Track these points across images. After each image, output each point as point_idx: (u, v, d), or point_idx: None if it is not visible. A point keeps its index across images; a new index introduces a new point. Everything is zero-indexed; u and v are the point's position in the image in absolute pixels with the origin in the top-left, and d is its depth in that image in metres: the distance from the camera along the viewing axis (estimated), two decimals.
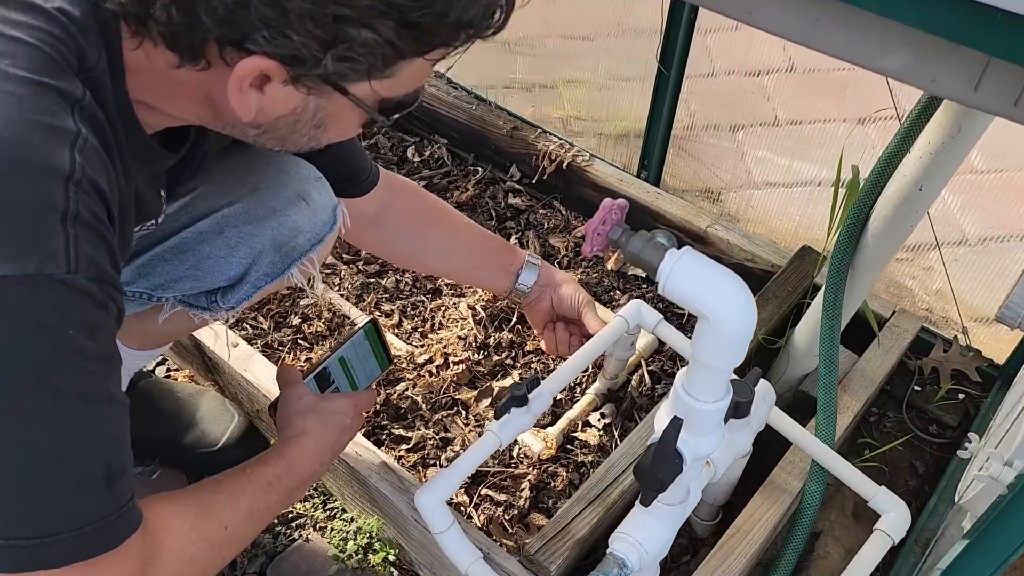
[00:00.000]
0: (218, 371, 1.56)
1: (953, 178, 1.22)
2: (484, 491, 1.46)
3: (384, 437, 1.55)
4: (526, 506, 1.44)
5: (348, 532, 1.44)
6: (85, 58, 0.75)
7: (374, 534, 1.42)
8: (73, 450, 0.72)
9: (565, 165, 1.97)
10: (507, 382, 1.63)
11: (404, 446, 1.53)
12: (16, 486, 0.70)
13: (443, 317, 1.76)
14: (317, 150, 0.93)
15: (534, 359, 1.69)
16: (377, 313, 1.77)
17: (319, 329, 1.71)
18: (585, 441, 1.54)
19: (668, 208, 1.86)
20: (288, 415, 1.14)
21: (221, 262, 1.10)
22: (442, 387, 1.61)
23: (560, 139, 2.01)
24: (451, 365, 1.65)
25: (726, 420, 0.99)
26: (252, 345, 1.63)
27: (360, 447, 1.39)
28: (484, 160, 2.13)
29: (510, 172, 2.09)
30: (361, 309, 1.76)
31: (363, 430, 1.54)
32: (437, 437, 1.54)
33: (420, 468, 1.50)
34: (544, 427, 1.54)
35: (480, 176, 2.11)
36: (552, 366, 1.67)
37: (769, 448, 1.37)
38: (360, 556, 1.41)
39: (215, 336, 1.54)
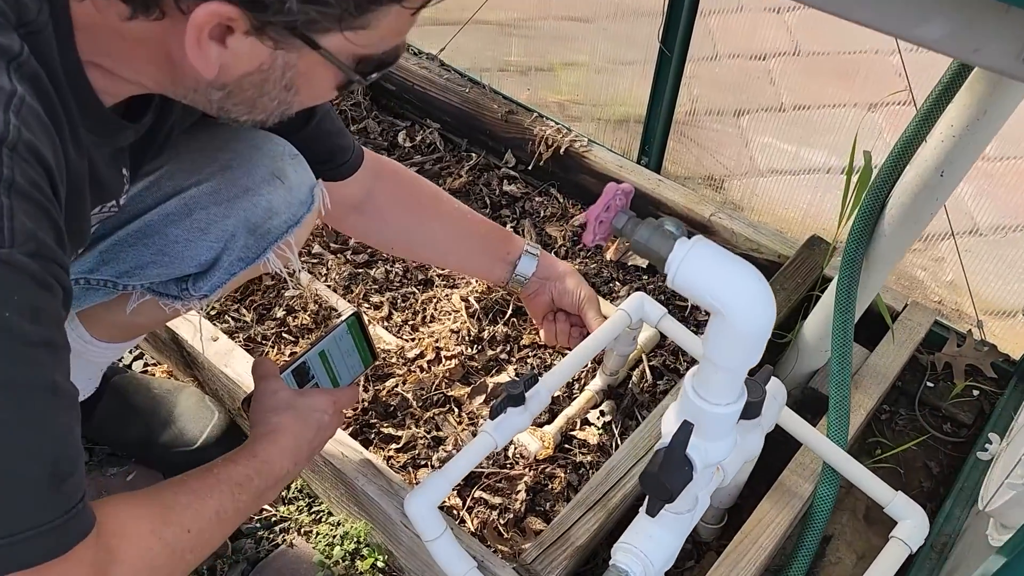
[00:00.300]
0: (197, 366, 1.48)
1: None
2: (478, 493, 1.39)
3: (372, 436, 1.47)
4: (522, 509, 1.37)
5: (334, 537, 1.36)
6: (24, 10, 0.67)
7: (362, 539, 1.35)
8: (12, 446, 0.65)
9: (562, 151, 1.89)
10: (502, 378, 1.56)
11: (393, 446, 1.45)
12: None
13: (435, 309, 1.68)
14: (292, 127, 0.84)
15: (530, 354, 1.61)
16: (365, 305, 1.69)
17: (304, 322, 1.63)
18: (584, 440, 1.47)
19: (670, 196, 1.79)
20: (262, 411, 1.06)
21: (190, 246, 1.02)
22: (434, 383, 1.54)
23: (557, 124, 1.93)
24: (443, 360, 1.58)
25: (736, 422, 0.92)
26: (234, 339, 1.56)
27: (347, 447, 1.31)
28: (478, 145, 2.05)
29: (505, 158, 2.01)
30: (349, 301, 1.68)
31: (350, 429, 1.47)
32: (428, 436, 1.47)
33: (410, 469, 1.43)
34: (541, 425, 1.46)
35: (474, 162, 2.03)
36: (550, 360, 1.60)
37: (775, 448, 1.30)
38: (347, 562, 1.34)
39: (194, 329, 1.46)
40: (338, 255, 1.79)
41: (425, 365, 1.57)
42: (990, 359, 1.55)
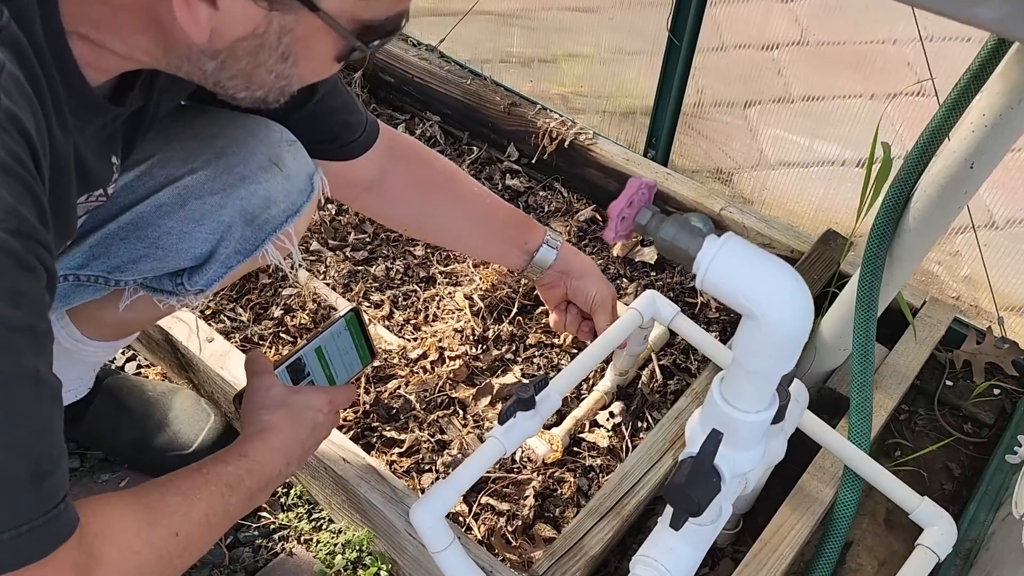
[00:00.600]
0: (192, 368, 1.43)
1: None
2: (484, 499, 1.33)
3: (374, 440, 1.42)
4: (531, 516, 1.32)
5: (336, 545, 1.31)
6: None
7: (364, 547, 1.30)
8: None
9: (567, 144, 1.84)
10: (508, 378, 1.50)
11: (396, 450, 1.40)
12: None
13: (437, 308, 1.63)
14: (292, 103, 0.79)
15: (536, 353, 1.56)
16: (366, 304, 1.63)
17: (303, 321, 1.58)
18: (593, 443, 1.42)
19: (678, 190, 1.74)
20: (254, 408, 1.01)
21: (185, 238, 0.97)
22: (437, 384, 1.48)
23: (561, 116, 1.87)
24: (447, 360, 1.52)
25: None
26: (230, 339, 1.50)
27: (348, 452, 1.26)
28: (480, 139, 2.00)
29: (507, 151, 1.95)
30: (348, 299, 1.62)
31: (351, 433, 1.41)
32: (432, 440, 1.41)
33: (414, 474, 1.37)
34: (548, 427, 1.41)
35: (475, 156, 1.97)
36: (557, 360, 1.55)
37: (791, 450, 1.24)
38: (349, 571, 1.28)
39: (189, 330, 1.41)
40: (337, 252, 1.73)
41: (428, 366, 1.52)
42: (1011, 356, 1.50)
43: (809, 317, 0.72)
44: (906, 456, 1.42)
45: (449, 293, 1.65)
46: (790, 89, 2.11)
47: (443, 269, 1.70)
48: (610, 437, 1.42)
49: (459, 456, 1.38)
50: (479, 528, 1.30)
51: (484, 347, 1.55)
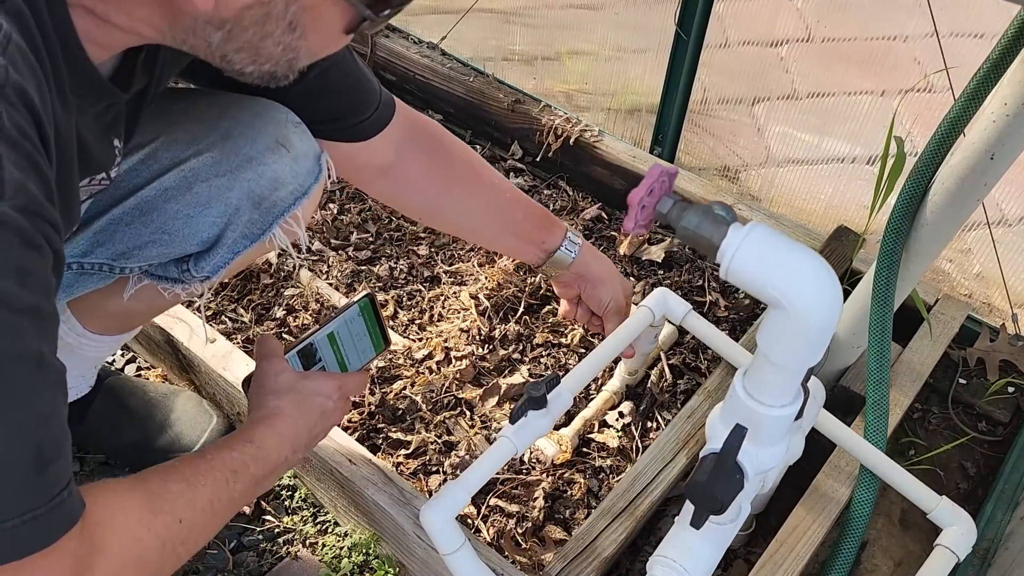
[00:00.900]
0: (194, 369, 1.40)
1: None
2: (493, 501, 1.31)
3: (380, 441, 1.39)
4: (540, 517, 1.29)
5: (342, 548, 1.28)
6: None
7: (371, 550, 1.27)
8: None
9: (572, 141, 1.82)
10: (515, 378, 1.48)
11: (403, 451, 1.38)
12: None
13: (443, 308, 1.61)
14: (302, 75, 0.76)
15: (544, 353, 1.54)
16: None
17: (306, 321, 1.55)
18: (603, 443, 1.39)
19: (686, 187, 1.71)
20: (262, 393, 0.98)
21: (191, 222, 0.94)
22: (443, 385, 1.46)
23: (566, 114, 1.85)
24: (453, 361, 1.50)
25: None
26: (231, 340, 1.48)
27: (353, 453, 1.24)
28: (483, 137, 1.98)
29: (511, 149, 1.93)
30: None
31: (356, 434, 1.39)
32: (439, 441, 1.39)
33: (421, 476, 1.35)
34: (557, 428, 1.39)
35: (479, 154, 1.95)
36: (565, 360, 1.52)
37: (805, 448, 1.22)
38: (355, 575, 1.26)
39: (190, 331, 1.38)
40: (339, 251, 1.71)
41: (434, 366, 1.49)
42: None
43: (838, 306, 0.70)
44: (920, 455, 1.40)
45: (454, 293, 1.62)
46: (797, 86, 2.09)
47: (448, 269, 1.68)
48: (620, 437, 1.40)
49: (467, 457, 1.35)
50: (488, 530, 1.28)
51: (491, 347, 1.53)
